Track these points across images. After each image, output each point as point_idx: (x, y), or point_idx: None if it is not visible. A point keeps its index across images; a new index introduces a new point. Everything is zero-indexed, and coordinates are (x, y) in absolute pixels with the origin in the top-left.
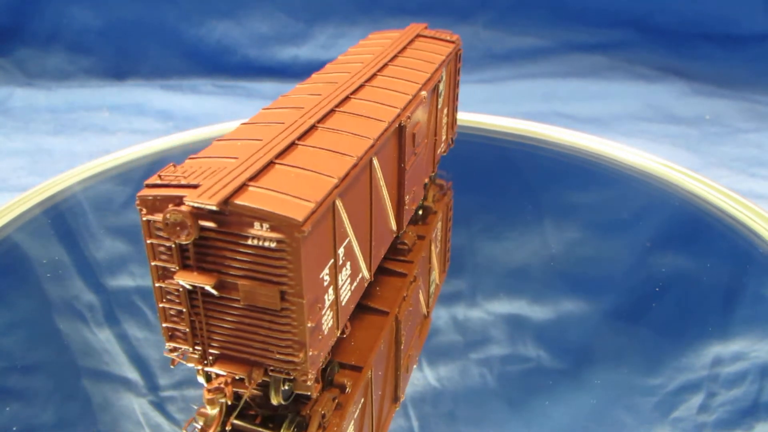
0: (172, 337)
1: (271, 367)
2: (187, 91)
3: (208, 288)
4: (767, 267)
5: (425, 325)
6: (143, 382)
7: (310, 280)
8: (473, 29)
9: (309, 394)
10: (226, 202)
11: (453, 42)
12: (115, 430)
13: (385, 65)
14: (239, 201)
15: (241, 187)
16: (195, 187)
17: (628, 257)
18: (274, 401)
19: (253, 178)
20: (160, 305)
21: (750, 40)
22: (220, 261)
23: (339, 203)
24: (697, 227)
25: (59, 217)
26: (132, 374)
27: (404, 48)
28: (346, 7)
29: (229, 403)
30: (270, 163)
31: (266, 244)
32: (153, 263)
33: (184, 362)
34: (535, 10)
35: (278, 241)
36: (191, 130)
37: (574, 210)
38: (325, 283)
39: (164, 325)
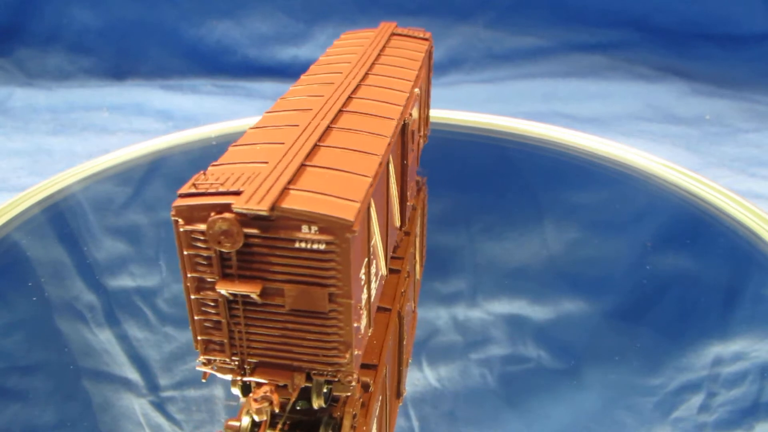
0: (207, 350)
1: (315, 371)
2: (187, 91)
3: (252, 295)
4: (767, 267)
5: (414, 320)
6: (143, 382)
7: (355, 280)
8: (473, 29)
9: (345, 395)
10: (274, 206)
11: (427, 39)
12: (116, 430)
13: (373, 64)
14: (286, 205)
15: (283, 192)
16: (238, 193)
17: (628, 257)
18: (316, 405)
19: (291, 181)
20: (196, 318)
21: (750, 40)
22: (264, 267)
23: (372, 201)
24: (697, 227)
25: (59, 217)
26: (132, 375)
27: (384, 47)
28: (346, 7)
29: (276, 410)
30: (301, 166)
31: (315, 246)
32: (190, 275)
33: (218, 374)
34: (535, 10)
35: (327, 243)
36: (191, 129)
37: (574, 210)
38: (362, 282)
39: (199, 338)
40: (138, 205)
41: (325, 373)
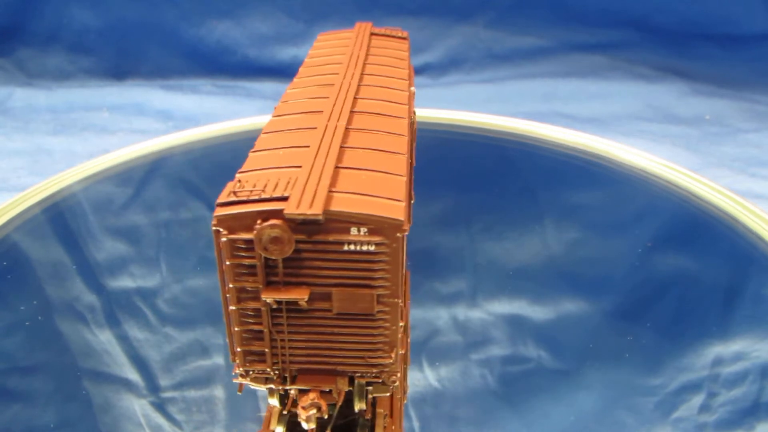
0: (246, 361)
1: (359, 373)
2: (187, 91)
3: (300, 302)
4: None
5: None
6: (144, 383)
7: (401, 279)
8: (473, 29)
9: (384, 395)
10: (326, 210)
11: (405, 39)
12: (116, 431)
13: (365, 65)
14: (336, 208)
15: (328, 195)
16: (284, 199)
17: (628, 257)
18: (358, 407)
19: (332, 184)
20: (236, 329)
21: (750, 40)
22: (311, 272)
23: None
24: (697, 227)
25: (59, 217)
26: (133, 375)
27: (369, 47)
28: (346, 7)
29: (325, 417)
30: (336, 169)
31: (364, 248)
32: (232, 285)
33: (255, 386)
34: (535, 10)
35: (377, 244)
36: (191, 129)
37: (574, 210)
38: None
39: (238, 349)
40: (138, 206)
41: (369, 374)
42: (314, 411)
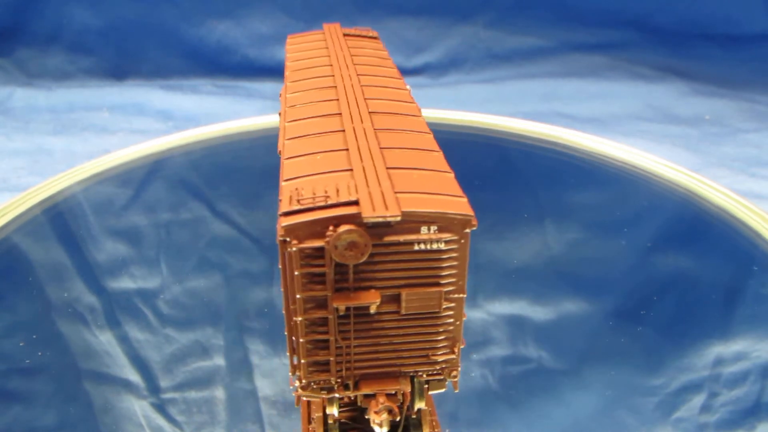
0: (310, 372)
1: (421, 371)
2: (187, 91)
3: (372, 306)
4: None
5: None
6: (144, 384)
7: (466, 274)
8: (473, 29)
9: (441, 390)
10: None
11: (376, 38)
12: None
13: (355, 66)
14: (408, 208)
15: (396, 196)
16: (354, 203)
17: (628, 257)
18: (417, 406)
19: (393, 186)
20: (302, 340)
21: (750, 40)
22: (381, 275)
23: None
24: (698, 227)
25: (59, 218)
26: (133, 376)
27: (349, 48)
28: (346, 7)
29: (398, 419)
30: (387, 170)
31: (434, 246)
32: (300, 296)
33: (316, 397)
34: (535, 10)
35: (447, 241)
36: (191, 130)
37: (574, 210)
38: None
39: (302, 361)
40: (139, 207)
41: (432, 372)
42: (386, 415)
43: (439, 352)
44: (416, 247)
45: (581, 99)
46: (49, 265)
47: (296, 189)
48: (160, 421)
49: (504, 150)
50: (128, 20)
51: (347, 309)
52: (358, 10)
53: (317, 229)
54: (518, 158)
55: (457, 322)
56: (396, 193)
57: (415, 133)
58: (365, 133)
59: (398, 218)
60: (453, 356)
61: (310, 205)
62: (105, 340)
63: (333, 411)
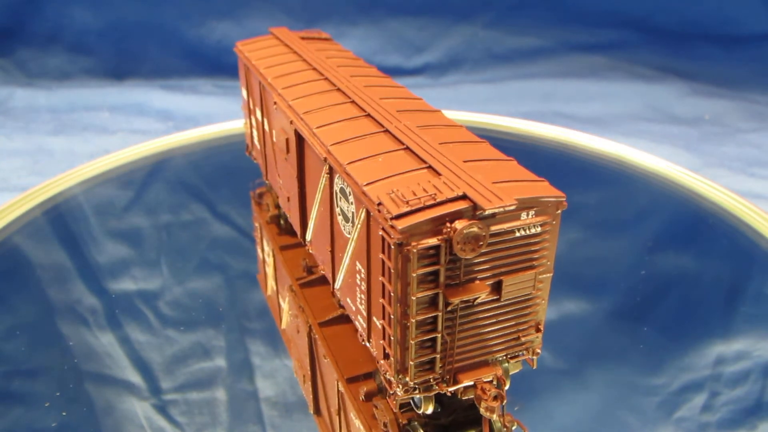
0: (418, 373)
1: (511, 354)
2: (187, 91)
3: (481, 297)
4: None
5: None
6: (146, 385)
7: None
8: (473, 29)
9: (518, 370)
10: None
11: (330, 39)
12: None
13: (338, 68)
14: (517, 197)
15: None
16: (462, 198)
17: (629, 257)
18: (506, 387)
19: (484, 177)
20: (413, 341)
21: (750, 40)
22: (486, 265)
23: None
24: (698, 226)
25: (60, 219)
26: (134, 378)
27: (316, 50)
28: (346, 7)
29: (504, 403)
30: (464, 163)
31: (531, 231)
32: (416, 297)
33: (418, 396)
34: (535, 10)
35: (542, 224)
36: (191, 130)
37: (575, 210)
38: None
39: (411, 362)
40: (139, 208)
41: (520, 354)
42: (498, 403)
43: (527, 333)
44: (517, 234)
45: (581, 99)
46: (50, 267)
47: (392, 191)
48: (162, 422)
49: (504, 150)
50: (128, 20)
51: (455, 302)
52: (358, 10)
53: (433, 227)
54: (518, 158)
55: (544, 302)
56: (495, 184)
57: (448, 127)
58: (412, 131)
59: (513, 207)
60: (539, 336)
61: (420, 205)
62: (106, 341)
63: (429, 410)
